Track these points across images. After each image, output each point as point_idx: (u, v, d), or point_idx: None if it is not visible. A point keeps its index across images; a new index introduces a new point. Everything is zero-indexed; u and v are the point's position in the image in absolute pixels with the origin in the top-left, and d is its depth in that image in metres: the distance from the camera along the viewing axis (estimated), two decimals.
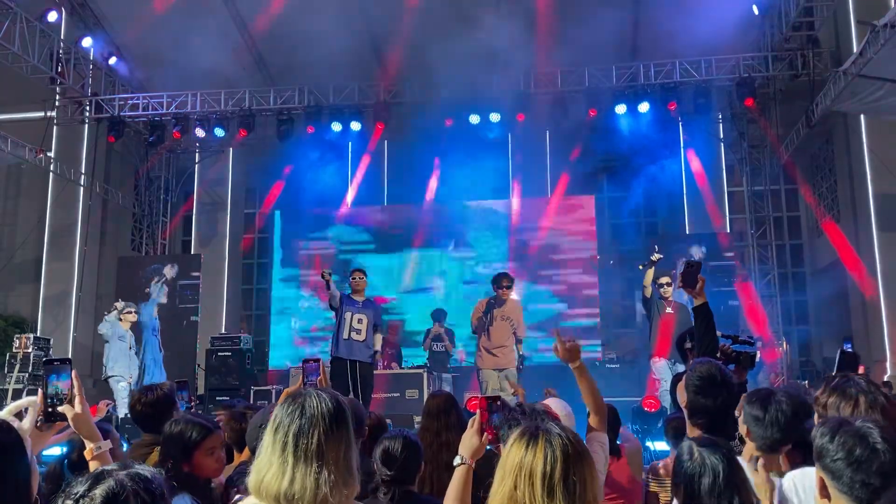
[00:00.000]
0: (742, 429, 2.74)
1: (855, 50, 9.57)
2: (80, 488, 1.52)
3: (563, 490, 1.78)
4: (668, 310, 8.40)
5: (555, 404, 3.29)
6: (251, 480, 1.92)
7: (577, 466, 1.82)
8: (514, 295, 9.02)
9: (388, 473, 2.92)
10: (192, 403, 10.54)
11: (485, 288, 13.96)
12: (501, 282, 8.74)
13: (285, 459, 1.86)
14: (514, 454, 1.85)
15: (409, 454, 2.92)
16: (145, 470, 1.59)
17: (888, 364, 11.14)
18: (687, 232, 13.90)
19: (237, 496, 2.04)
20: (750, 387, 4.95)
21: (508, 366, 8.56)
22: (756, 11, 12.24)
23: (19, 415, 1.95)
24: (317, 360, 3.06)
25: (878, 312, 11.32)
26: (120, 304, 10.34)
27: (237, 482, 2.79)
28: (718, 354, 4.80)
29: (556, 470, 1.80)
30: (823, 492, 1.94)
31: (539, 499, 1.78)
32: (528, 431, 1.89)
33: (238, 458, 3.75)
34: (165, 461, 2.93)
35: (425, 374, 10.19)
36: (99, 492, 1.50)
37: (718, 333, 5.01)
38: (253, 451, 2.81)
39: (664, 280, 8.55)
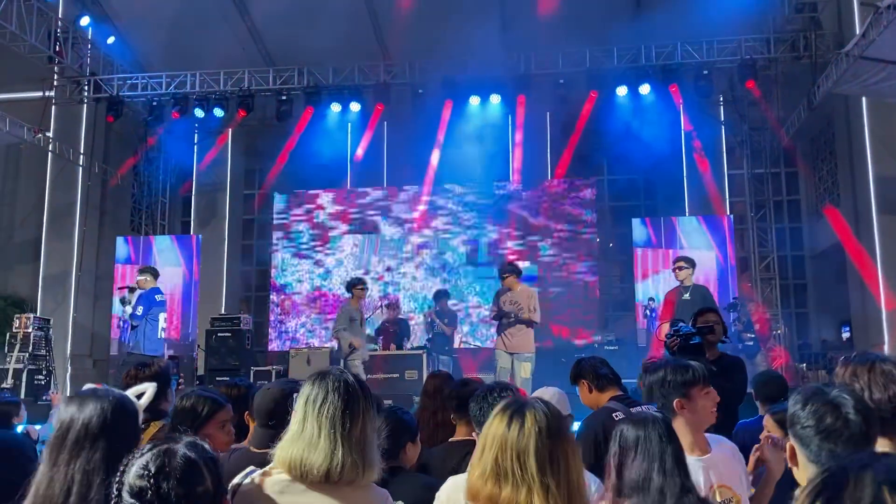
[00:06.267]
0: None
1: (857, 32, 9.51)
2: (147, 461, 1.55)
3: (549, 468, 1.75)
4: (686, 296, 8.05)
5: (548, 394, 3.27)
6: (284, 455, 1.93)
7: (562, 443, 1.80)
8: (521, 283, 8.82)
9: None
10: (181, 381, 10.53)
11: (486, 270, 14.05)
12: (501, 273, 8.89)
13: (329, 436, 1.90)
14: (497, 427, 1.81)
15: (393, 428, 2.93)
16: (196, 440, 1.65)
17: (885, 347, 11.16)
18: (686, 214, 13.89)
19: (249, 468, 2.05)
20: (749, 371, 4.79)
21: (519, 349, 8.41)
22: None
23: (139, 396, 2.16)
24: None
25: (876, 296, 11.32)
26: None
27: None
28: (665, 351, 4.37)
29: (545, 446, 1.76)
30: (793, 459, 1.91)
31: (533, 475, 1.75)
32: (513, 406, 1.84)
33: None
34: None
35: (425, 356, 10.22)
36: (176, 464, 1.55)
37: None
38: (266, 425, 2.81)
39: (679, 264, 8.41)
